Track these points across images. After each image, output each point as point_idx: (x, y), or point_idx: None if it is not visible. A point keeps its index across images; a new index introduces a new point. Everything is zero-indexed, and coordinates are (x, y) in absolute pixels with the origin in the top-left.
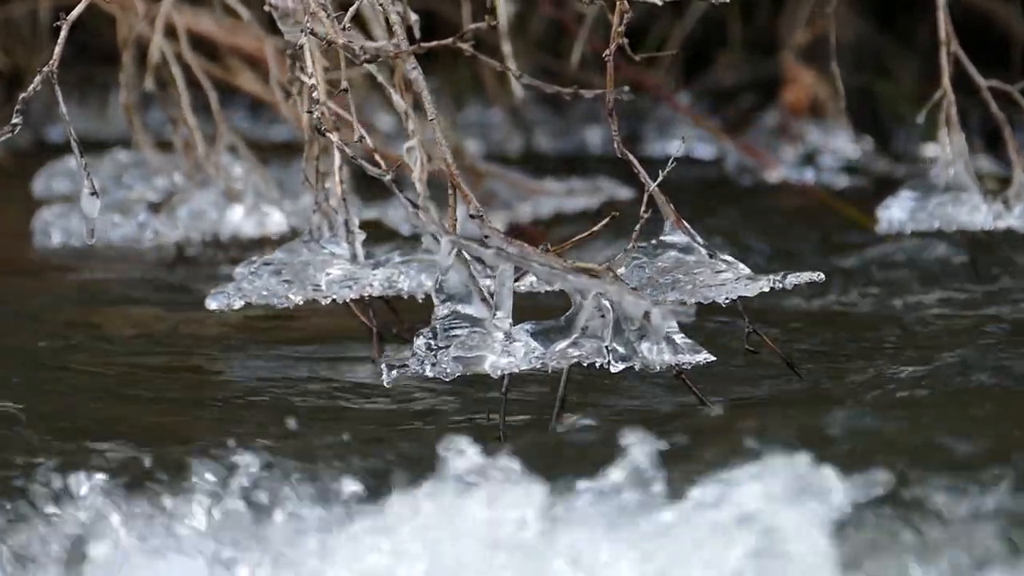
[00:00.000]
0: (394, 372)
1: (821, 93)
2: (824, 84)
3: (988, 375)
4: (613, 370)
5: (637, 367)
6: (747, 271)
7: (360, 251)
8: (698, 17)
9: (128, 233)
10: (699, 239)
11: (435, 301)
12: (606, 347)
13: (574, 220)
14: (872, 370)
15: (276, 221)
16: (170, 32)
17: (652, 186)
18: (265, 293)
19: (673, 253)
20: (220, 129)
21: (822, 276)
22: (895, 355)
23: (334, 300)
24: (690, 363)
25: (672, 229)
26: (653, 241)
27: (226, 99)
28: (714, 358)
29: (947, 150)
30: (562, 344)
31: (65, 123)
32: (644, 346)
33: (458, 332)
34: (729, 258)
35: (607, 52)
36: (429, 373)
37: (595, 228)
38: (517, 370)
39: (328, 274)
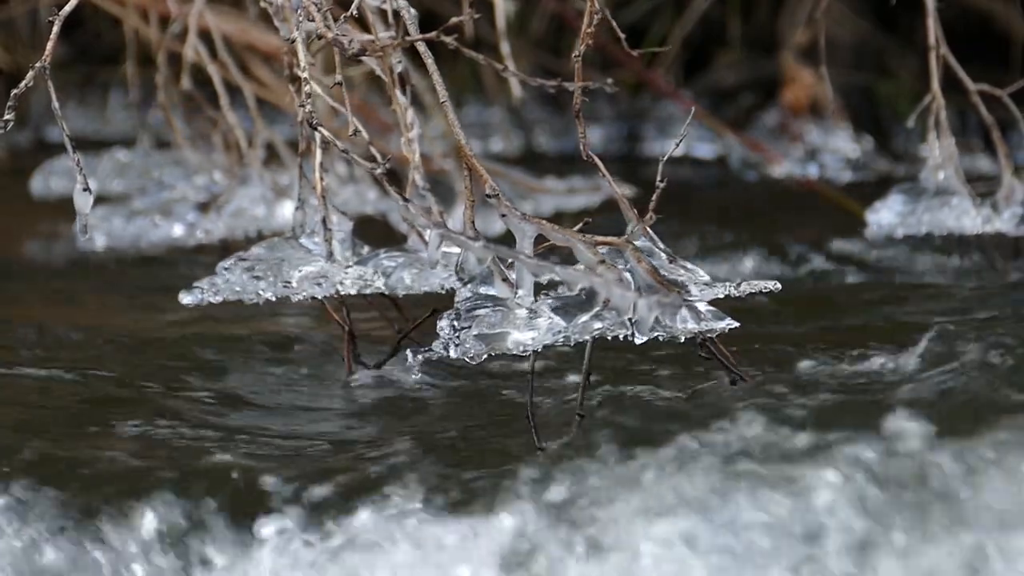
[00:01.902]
0: (419, 356)
1: (821, 93)
2: (824, 84)
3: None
4: (637, 341)
5: (661, 337)
6: (705, 277)
7: (338, 248)
8: (698, 17)
9: (170, 233)
10: (660, 244)
11: (456, 284)
12: (628, 318)
13: (575, 218)
14: (834, 371)
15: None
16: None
17: (618, 192)
18: (238, 289)
19: None
20: (257, 126)
21: (778, 285)
22: (879, 356)
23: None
24: (715, 331)
25: (640, 233)
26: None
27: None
28: (738, 324)
29: (936, 153)
30: (584, 317)
31: (59, 119)
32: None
33: (481, 312)
34: (689, 264)
35: (576, 53)
36: (453, 354)
37: (574, 230)
38: (540, 347)
39: (300, 271)
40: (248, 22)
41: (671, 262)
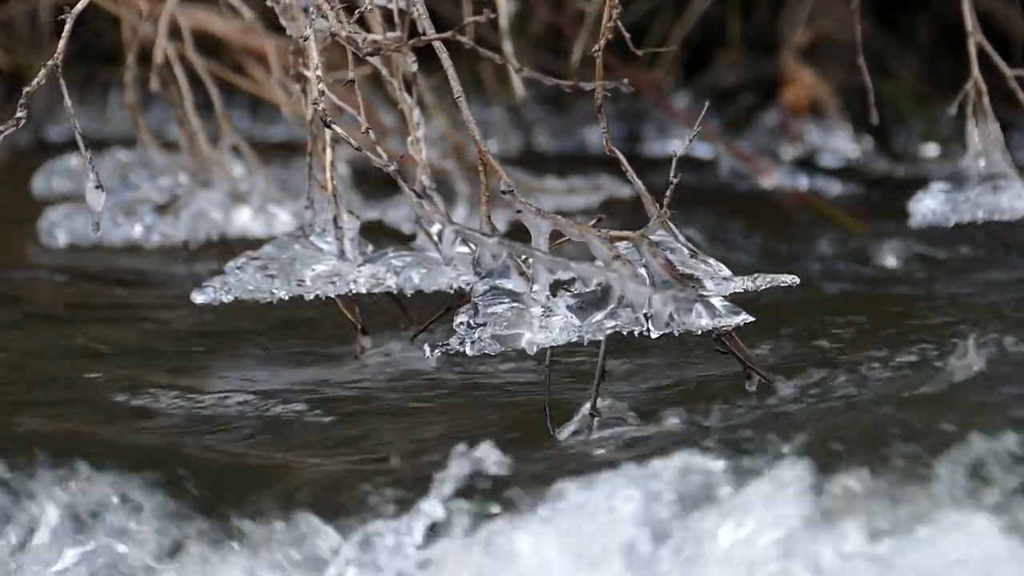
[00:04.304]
0: (436, 351)
1: (821, 93)
2: (824, 84)
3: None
4: (652, 337)
5: (676, 333)
6: (726, 272)
7: (349, 247)
8: (698, 17)
9: (131, 234)
10: (682, 239)
11: (466, 283)
12: (644, 315)
13: (575, 218)
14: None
15: (284, 221)
16: (176, 32)
17: (640, 186)
18: (250, 288)
19: None
20: (223, 129)
21: (796, 279)
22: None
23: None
24: (730, 326)
25: (656, 228)
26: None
27: (226, 98)
28: (753, 319)
29: (976, 140)
30: (599, 315)
31: (70, 116)
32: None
33: (497, 308)
34: (711, 259)
35: (596, 48)
36: (469, 351)
37: (590, 226)
38: (555, 344)
39: (313, 270)
40: (224, 18)
41: (693, 256)
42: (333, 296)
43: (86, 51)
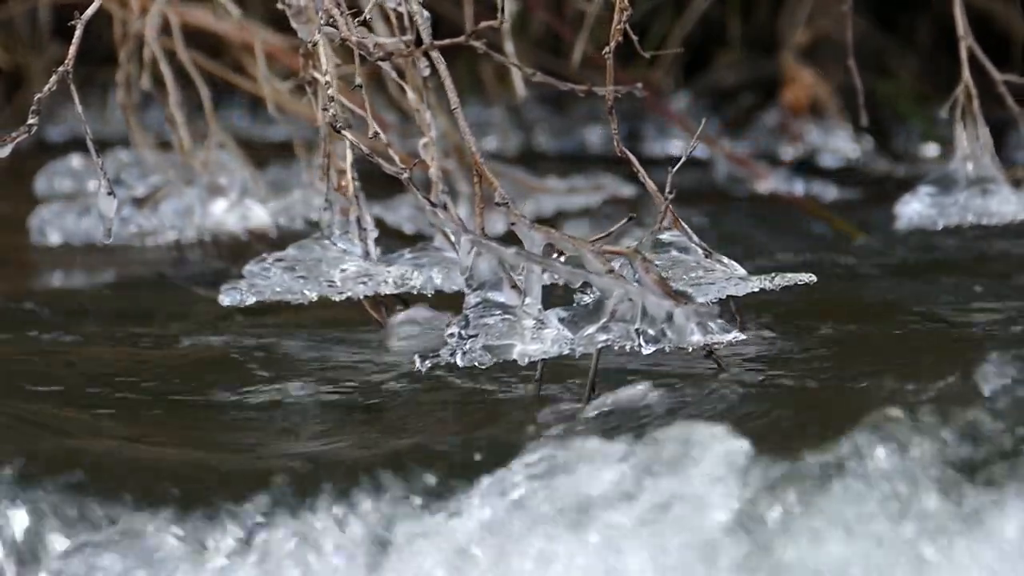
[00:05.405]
0: (427, 362)
1: (821, 93)
2: (824, 84)
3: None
4: (644, 352)
5: (667, 348)
6: (741, 271)
7: (372, 248)
8: (698, 17)
9: (115, 231)
10: (696, 238)
11: (465, 290)
12: (635, 329)
13: (576, 218)
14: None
15: (259, 215)
16: (170, 31)
17: (652, 187)
18: (279, 289)
19: (673, 252)
20: (211, 127)
21: (813, 278)
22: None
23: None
24: (721, 342)
25: (669, 228)
26: (652, 240)
27: (225, 98)
28: (745, 336)
29: (964, 144)
30: (591, 329)
31: (82, 124)
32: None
33: (489, 320)
34: (725, 259)
35: (606, 50)
36: (460, 362)
37: (612, 230)
38: (546, 356)
39: (343, 270)
40: (228, 18)
41: (707, 256)
42: (360, 297)
43: (86, 52)
